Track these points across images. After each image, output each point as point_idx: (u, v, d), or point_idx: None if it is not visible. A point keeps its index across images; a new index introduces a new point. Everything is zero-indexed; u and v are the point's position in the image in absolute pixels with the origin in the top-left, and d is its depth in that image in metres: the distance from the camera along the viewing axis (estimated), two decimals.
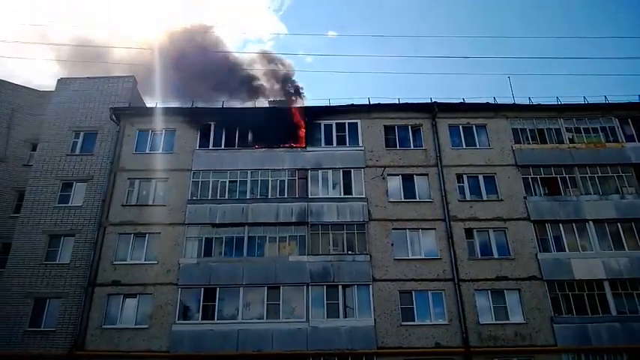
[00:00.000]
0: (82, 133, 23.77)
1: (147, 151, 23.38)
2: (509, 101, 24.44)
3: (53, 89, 25.02)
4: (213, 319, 19.70)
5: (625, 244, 21.11)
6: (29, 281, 20.43)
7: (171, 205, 21.84)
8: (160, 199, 22.14)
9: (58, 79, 25.27)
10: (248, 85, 26.98)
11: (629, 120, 24.14)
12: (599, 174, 22.78)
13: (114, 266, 20.63)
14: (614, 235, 21.32)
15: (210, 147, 23.46)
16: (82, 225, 21.55)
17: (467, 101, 24.36)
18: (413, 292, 20.22)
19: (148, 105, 24.77)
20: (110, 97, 24.21)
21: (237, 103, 25.77)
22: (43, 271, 20.68)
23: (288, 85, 27.70)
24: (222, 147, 23.49)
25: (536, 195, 22.36)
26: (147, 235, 21.30)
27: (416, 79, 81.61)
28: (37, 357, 19.02)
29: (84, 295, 19.99)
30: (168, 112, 23.82)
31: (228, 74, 27.43)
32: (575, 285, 20.28)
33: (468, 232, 21.44)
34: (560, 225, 21.56)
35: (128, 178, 22.58)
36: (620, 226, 21.49)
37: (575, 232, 21.43)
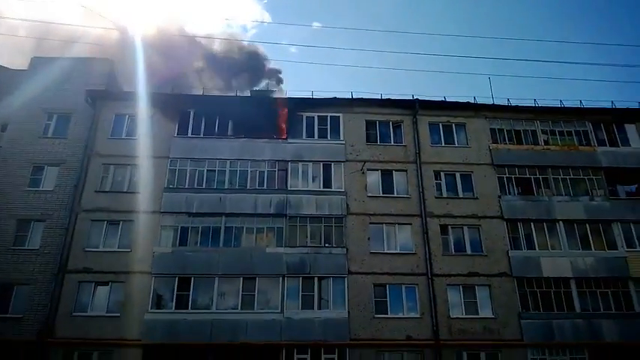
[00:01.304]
0: (55, 115, 23.02)
1: (123, 137, 22.80)
2: (489, 101, 24.95)
3: (26, 68, 24.13)
4: (187, 308, 19.58)
5: (592, 245, 21.92)
6: None
7: (147, 193, 21.41)
8: (136, 186, 21.67)
9: (32, 58, 24.36)
10: (228, 73, 26.55)
11: (602, 125, 24.92)
12: (571, 176, 23.48)
13: (85, 253, 20.20)
14: (582, 235, 22.10)
15: (189, 135, 23.09)
16: (53, 210, 20.98)
17: (448, 100, 24.68)
18: (387, 286, 20.54)
19: (125, 90, 24.03)
20: (86, 80, 23.33)
21: (217, 92, 25.28)
22: (11, 256, 20.09)
23: (270, 75, 27.44)
24: (201, 135, 23.14)
25: (510, 194, 22.92)
26: (121, 222, 20.90)
27: (399, 75, 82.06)
28: (5, 343, 18.50)
29: (54, 281, 19.55)
30: (146, 97, 23.13)
31: (207, 61, 26.99)
32: (543, 282, 20.98)
33: (443, 229, 21.85)
34: (532, 224, 22.19)
35: (103, 164, 22.04)
36: (588, 227, 22.27)
37: (546, 231, 22.12)
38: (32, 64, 24.16)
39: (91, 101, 22.90)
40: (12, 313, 19.29)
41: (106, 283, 19.86)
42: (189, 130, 23.20)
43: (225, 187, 22.00)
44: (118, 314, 19.26)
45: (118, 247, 20.49)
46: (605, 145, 24.34)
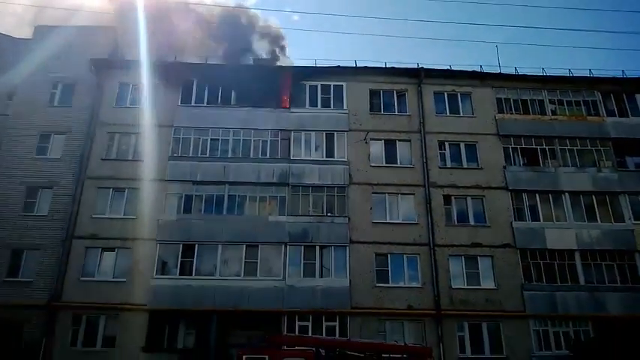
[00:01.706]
0: (60, 84, 23.13)
1: (127, 105, 22.90)
2: (496, 70, 24.47)
3: (30, 37, 24.19)
4: (191, 274, 19.95)
5: (598, 217, 21.65)
6: (6, 232, 20.30)
7: (152, 161, 21.56)
8: (140, 154, 21.85)
9: (36, 27, 24.42)
10: (231, 42, 26.28)
11: (612, 95, 24.35)
12: (579, 147, 23.08)
13: (92, 220, 20.58)
14: (588, 207, 21.83)
15: (193, 104, 23.10)
16: (61, 177, 21.31)
17: (454, 68, 24.27)
18: (389, 255, 20.62)
19: (128, 58, 24.01)
20: (90, 49, 23.23)
21: (221, 61, 25.08)
22: (21, 222, 20.54)
23: (275, 43, 27.10)
24: (205, 104, 23.14)
25: (515, 165, 22.64)
26: (126, 189, 21.20)
27: (404, 43, 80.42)
28: (16, 306, 19.08)
29: (61, 247, 20.00)
30: (149, 66, 23.04)
31: (210, 29, 26.71)
32: (547, 254, 20.87)
33: (447, 199, 21.75)
34: (537, 195, 21.96)
35: (108, 132, 22.25)
36: (594, 199, 21.98)
37: (551, 202, 21.89)
38: (36, 33, 24.19)
39: (95, 70, 22.97)
40: (22, 277, 19.83)
41: (112, 249, 20.28)
42: (193, 99, 23.21)
43: (229, 156, 22.10)
44: (124, 280, 19.70)
45: (124, 214, 20.82)
46: (615, 116, 23.80)
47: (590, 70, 24.47)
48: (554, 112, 23.86)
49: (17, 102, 22.79)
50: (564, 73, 24.30)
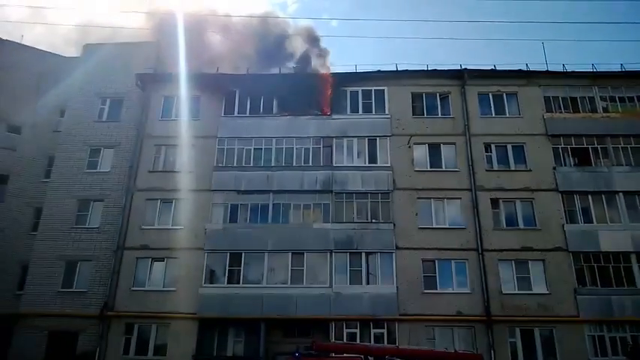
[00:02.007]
0: (108, 100, 23.94)
1: (172, 118, 23.41)
2: (543, 68, 23.71)
3: (78, 55, 25.11)
4: (239, 283, 20.18)
5: None
6: (60, 244, 21.13)
7: (198, 172, 22.02)
8: (186, 165, 22.26)
9: (84, 45, 25.36)
10: (272, 51, 26.52)
11: None
12: (633, 145, 22.19)
13: (142, 231, 21.12)
14: None
15: (236, 114, 23.39)
16: (111, 190, 22.00)
17: (498, 68, 23.68)
18: (436, 261, 20.32)
19: (172, 72, 24.58)
20: (134, 64, 23.97)
21: (261, 70, 25.35)
22: (74, 234, 21.31)
23: (314, 50, 27.11)
24: (247, 114, 23.40)
25: (565, 165, 21.94)
26: (173, 200, 21.66)
27: (445, 45, 79.29)
28: (71, 316, 19.87)
29: (113, 258, 20.61)
30: (192, 78, 23.59)
31: (249, 40, 27.04)
32: (601, 257, 20.17)
33: (494, 202, 21.26)
34: (589, 196, 21.23)
35: (155, 145, 22.81)
36: None
37: (604, 203, 21.13)
38: (84, 51, 25.11)
39: (141, 84, 23.60)
40: (76, 287, 20.58)
41: (161, 259, 20.73)
42: (236, 110, 23.49)
43: (272, 165, 22.26)
44: (174, 289, 20.10)
45: (172, 225, 21.27)
46: None
47: None
48: (605, 110, 22.97)
49: (68, 118, 23.73)
50: (616, 68, 23.49)
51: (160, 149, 22.81)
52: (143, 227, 21.18)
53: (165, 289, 20.23)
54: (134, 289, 20.22)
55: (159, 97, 23.78)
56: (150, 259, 20.74)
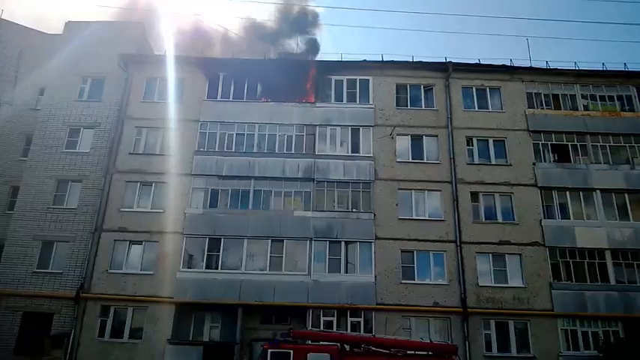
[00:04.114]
0: (89, 79, 23.50)
1: (155, 100, 23.10)
2: (526, 64, 23.90)
3: (60, 33, 24.60)
4: (217, 268, 20.10)
5: (630, 215, 21.11)
6: (37, 224, 20.79)
7: (178, 155, 21.77)
8: (167, 148, 22.05)
9: (66, 23, 24.78)
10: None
11: None
12: (612, 143, 22.52)
13: (120, 213, 20.88)
14: (620, 205, 21.32)
15: (219, 98, 23.17)
16: (90, 171, 21.68)
17: (482, 62, 23.81)
18: (414, 252, 20.46)
19: (156, 53, 24.24)
20: (118, 44, 23.50)
21: (246, 55, 25.12)
22: (51, 215, 20.99)
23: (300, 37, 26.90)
24: (231, 99, 23.19)
25: (545, 161, 22.20)
26: (153, 183, 21.45)
27: (431, 37, 79.24)
28: (46, 297, 19.64)
29: (91, 239, 20.35)
30: (177, 61, 23.28)
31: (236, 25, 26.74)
32: (576, 252, 20.47)
33: (474, 196, 21.44)
34: (567, 192, 21.51)
35: (136, 127, 22.50)
36: (627, 197, 21.46)
37: (582, 200, 21.44)
38: (66, 29, 24.57)
39: (124, 65, 23.22)
40: (52, 268, 20.27)
41: (139, 242, 20.54)
42: (219, 94, 23.28)
43: (255, 151, 22.14)
44: (152, 272, 19.95)
45: (151, 208, 21.08)
46: None
47: (625, 64, 23.87)
48: (586, 108, 23.25)
49: (47, 97, 23.28)
50: (598, 66, 23.97)
51: (140, 131, 22.50)
52: (122, 209, 20.93)
53: (142, 272, 20.04)
54: (111, 271, 20.00)
55: (141, 78, 23.38)
56: (128, 242, 20.53)
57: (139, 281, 19.81)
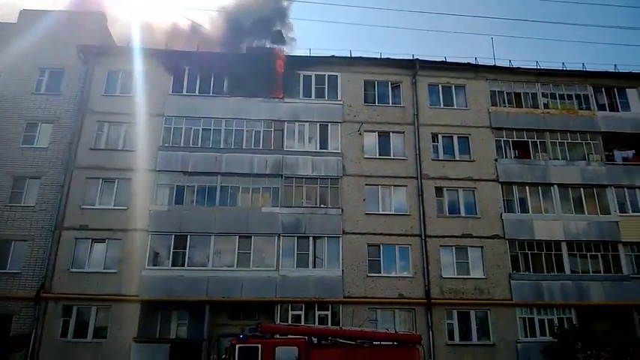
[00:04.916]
0: (47, 71, 22.51)
1: (117, 94, 22.41)
2: (490, 63, 24.45)
3: (15, 21, 23.38)
4: (184, 265, 19.91)
5: (585, 209, 22.12)
6: None
7: (142, 151, 21.26)
8: (131, 144, 21.49)
9: (21, 11, 23.57)
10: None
11: (603, 89, 24.61)
12: (569, 140, 23.42)
13: (82, 210, 20.28)
14: (576, 199, 22.28)
15: (184, 92, 22.71)
16: (48, 167, 20.88)
17: (448, 60, 24.14)
18: (381, 246, 20.84)
19: (119, 45, 23.40)
20: (79, 34, 22.55)
21: (213, 49, 24.58)
22: (8, 213, 20.16)
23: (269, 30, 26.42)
24: (197, 93, 22.77)
25: (506, 157, 22.90)
26: (116, 180, 20.91)
27: (399, 35, 79.70)
28: (4, 298, 18.90)
29: (51, 238, 19.72)
30: (141, 53, 22.54)
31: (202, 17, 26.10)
32: (534, 244, 21.35)
33: (439, 191, 21.95)
34: (527, 187, 22.31)
35: (97, 121, 21.79)
36: (582, 192, 22.42)
37: (540, 194, 22.27)
38: (21, 17, 23.39)
39: (84, 56, 22.35)
40: (10, 269, 19.54)
41: (102, 240, 20.05)
42: (184, 88, 22.81)
43: (221, 147, 21.86)
44: (116, 271, 19.55)
45: (114, 205, 20.57)
46: (605, 110, 24.13)
47: (583, 64, 24.61)
48: (546, 106, 24.04)
49: (2, 89, 22.06)
50: (558, 66, 24.58)
51: (102, 126, 21.80)
52: (83, 207, 20.33)
53: (106, 270, 19.61)
54: (73, 270, 19.45)
55: (103, 70, 22.60)
56: (90, 240, 19.99)
57: (102, 280, 19.37)
